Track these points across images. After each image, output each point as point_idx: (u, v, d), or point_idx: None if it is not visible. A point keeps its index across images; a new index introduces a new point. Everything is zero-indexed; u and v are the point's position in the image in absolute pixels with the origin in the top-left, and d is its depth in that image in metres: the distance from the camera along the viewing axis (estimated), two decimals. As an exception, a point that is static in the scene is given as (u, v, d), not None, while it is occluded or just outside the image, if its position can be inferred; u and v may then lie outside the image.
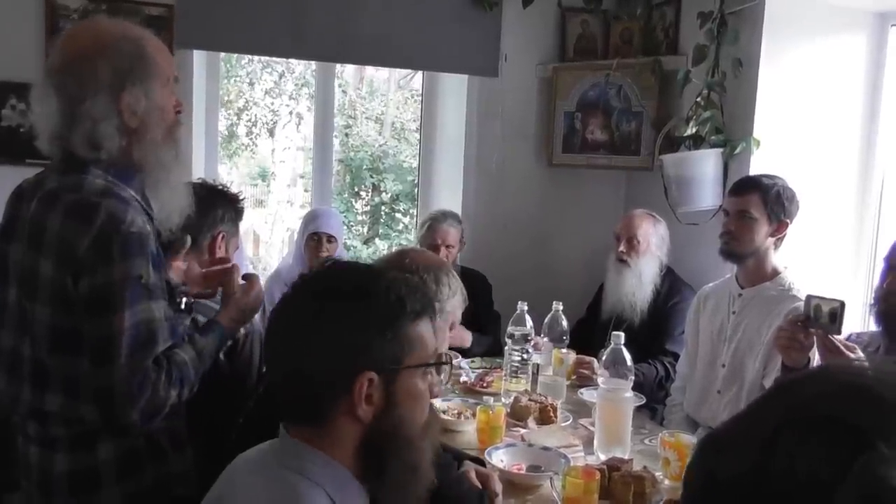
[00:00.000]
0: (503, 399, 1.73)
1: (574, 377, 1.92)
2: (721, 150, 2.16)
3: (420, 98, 3.04)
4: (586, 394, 1.77)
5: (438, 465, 0.85)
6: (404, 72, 4.54)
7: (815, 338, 1.40)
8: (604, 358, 1.47)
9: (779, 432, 0.39)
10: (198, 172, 2.36)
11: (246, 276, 1.25)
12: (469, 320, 1.89)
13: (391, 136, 5.00)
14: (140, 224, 0.99)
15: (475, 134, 2.65)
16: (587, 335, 2.24)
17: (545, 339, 1.94)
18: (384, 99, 5.11)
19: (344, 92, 4.67)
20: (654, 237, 2.18)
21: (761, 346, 1.74)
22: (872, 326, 1.54)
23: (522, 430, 1.55)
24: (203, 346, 1.07)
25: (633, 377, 1.45)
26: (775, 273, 1.79)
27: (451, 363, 0.84)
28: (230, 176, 4.54)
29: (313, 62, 3.00)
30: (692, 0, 2.32)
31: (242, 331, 1.35)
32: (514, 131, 2.64)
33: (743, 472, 0.39)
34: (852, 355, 1.35)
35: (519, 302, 1.82)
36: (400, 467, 0.76)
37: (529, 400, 1.63)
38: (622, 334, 1.46)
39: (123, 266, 0.96)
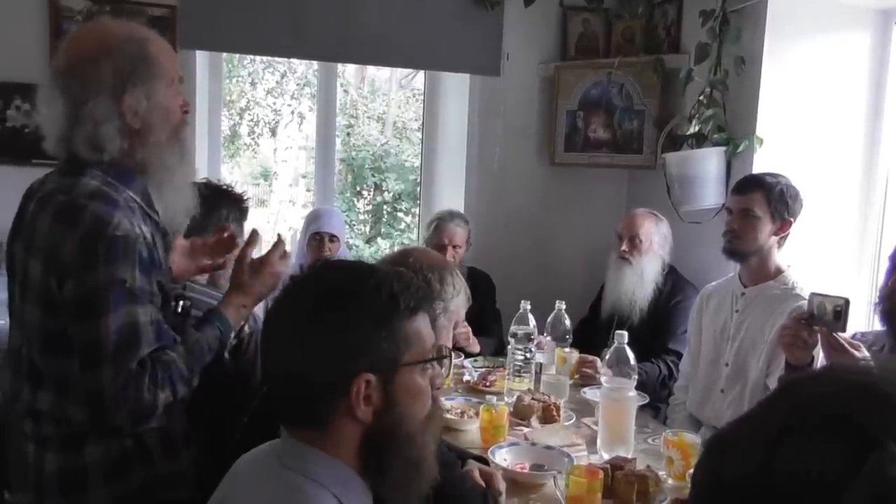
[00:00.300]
0: (506, 398, 1.73)
1: (577, 376, 1.92)
2: (724, 148, 2.15)
3: (422, 97, 3.04)
4: (589, 393, 1.77)
5: (442, 463, 0.84)
6: (406, 71, 4.55)
7: (819, 336, 1.39)
8: (607, 357, 1.47)
9: (784, 433, 0.39)
10: (201, 172, 2.35)
11: (259, 259, 1.16)
12: (473, 320, 1.89)
13: (393, 136, 5.01)
14: (127, 227, 0.98)
15: (477, 133, 2.65)
16: (590, 334, 2.24)
17: (548, 338, 1.94)
18: (386, 98, 5.11)
19: (346, 91, 4.68)
20: (656, 236, 2.18)
21: (764, 344, 1.74)
22: (877, 325, 1.54)
23: (526, 430, 1.55)
24: (196, 340, 1.05)
25: (636, 376, 1.45)
26: (778, 272, 1.79)
27: (450, 356, 0.83)
28: (232, 176, 4.54)
29: (315, 62, 3.01)
30: (694, -2, 2.32)
31: (247, 329, 1.35)
32: (516, 130, 2.64)
33: (748, 472, 0.39)
34: (857, 353, 1.35)
35: (522, 301, 1.82)
36: (402, 464, 0.75)
37: (533, 399, 1.63)
38: (626, 333, 1.46)
39: (107, 270, 0.96)
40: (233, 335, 1.15)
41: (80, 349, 0.97)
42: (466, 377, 1.89)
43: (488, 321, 2.29)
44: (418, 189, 3.17)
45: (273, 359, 0.77)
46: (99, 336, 0.96)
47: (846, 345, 1.35)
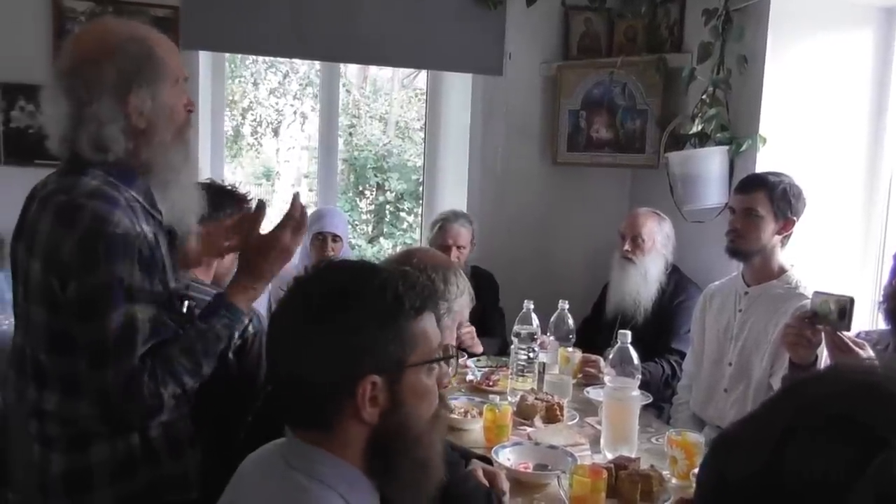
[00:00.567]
0: (509, 398, 1.73)
1: (580, 376, 1.92)
2: (727, 147, 2.15)
3: (424, 97, 3.04)
4: (593, 392, 1.77)
5: (446, 463, 0.84)
6: (408, 71, 4.55)
7: (823, 335, 1.39)
8: (610, 356, 1.47)
9: (789, 433, 0.39)
10: (204, 173, 2.36)
11: (267, 236, 1.08)
12: (477, 319, 1.89)
13: (395, 135, 5.01)
14: (127, 225, 0.97)
15: (479, 133, 2.65)
16: (593, 334, 2.24)
17: (551, 338, 1.94)
18: (388, 98, 5.12)
19: (348, 91, 4.68)
20: (659, 235, 2.18)
21: (768, 344, 1.74)
22: (881, 324, 1.53)
23: (529, 429, 1.55)
24: (202, 331, 1.03)
25: (639, 376, 1.45)
26: (782, 271, 1.79)
27: (456, 356, 0.83)
28: (235, 176, 4.55)
29: (317, 62, 3.01)
30: (697, -3, 2.31)
31: (251, 329, 1.35)
32: (518, 130, 2.64)
33: (754, 473, 0.39)
34: (862, 352, 1.34)
35: (525, 301, 1.82)
36: (409, 465, 0.75)
37: (536, 398, 1.64)
38: (629, 333, 1.46)
39: (107, 269, 0.95)
40: (237, 335, 1.12)
41: (86, 349, 0.98)
42: (470, 377, 1.89)
43: (492, 321, 2.29)
44: (421, 189, 3.18)
45: (278, 360, 0.77)
46: (101, 335, 0.96)
47: (851, 344, 1.35)
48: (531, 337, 1.78)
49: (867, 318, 1.99)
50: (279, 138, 5.09)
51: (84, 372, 0.98)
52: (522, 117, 2.64)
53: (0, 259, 2.19)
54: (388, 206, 4.89)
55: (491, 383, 1.85)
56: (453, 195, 2.80)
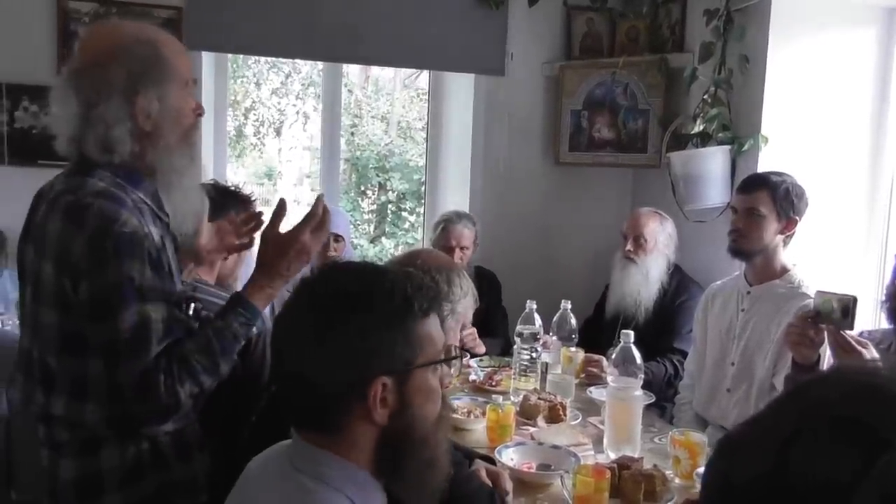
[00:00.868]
0: (512, 398, 1.74)
1: (583, 375, 1.93)
2: (729, 147, 2.15)
3: (426, 97, 3.04)
4: (595, 392, 1.77)
5: (450, 462, 0.85)
6: (410, 71, 4.55)
7: (825, 334, 1.39)
8: (613, 356, 1.47)
9: (794, 436, 0.39)
10: (207, 173, 2.38)
11: (287, 234, 1.05)
12: (480, 320, 1.89)
13: (397, 135, 5.01)
14: (135, 224, 0.97)
15: (481, 133, 2.65)
16: (595, 333, 2.24)
17: (554, 338, 1.94)
18: (390, 98, 5.12)
19: (350, 91, 4.69)
20: (661, 235, 2.18)
21: (770, 343, 1.74)
22: (884, 324, 1.53)
23: (532, 429, 1.55)
24: (219, 329, 1.02)
25: (642, 375, 1.45)
26: (784, 270, 1.79)
27: (460, 357, 0.83)
28: (237, 176, 4.56)
29: (319, 62, 3.01)
30: (699, -3, 2.31)
31: (255, 329, 1.35)
32: (520, 130, 2.64)
33: (759, 475, 0.39)
34: (865, 351, 1.34)
35: (528, 300, 1.83)
36: (417, 465, 0.75)
37: (539, 398, 1.64)
38: (632, 333, 1.46)
39: (116, 268, 0.95)
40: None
41: (100, 349, 0.98)
42: (472, 377, 1.90)
43: (494, 321, 2.30)
44: (423, 188, 3.18)
45: (286, 362, 0.76)
46: (115, 335, 0.96)
47: (854, 343, 1.35)
48: (534, 337, 1.79)
49: (870, 318, 1.99)
50: (281, 138, 5.09)
51: (98, 372, 0.98)
52: (524, 117, 2.64)
53: (3, 258, 2.20)
54: (390, 206, 4.89)
55: (494, 383, 1.85)
56: (455, 195, 2.80)
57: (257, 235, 1.36)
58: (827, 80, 2.11)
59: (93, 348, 0.98)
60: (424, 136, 3.13)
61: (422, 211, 3.28)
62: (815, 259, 1.95)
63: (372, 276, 0.77)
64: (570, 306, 1.96)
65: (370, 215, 4.97)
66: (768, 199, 1.74)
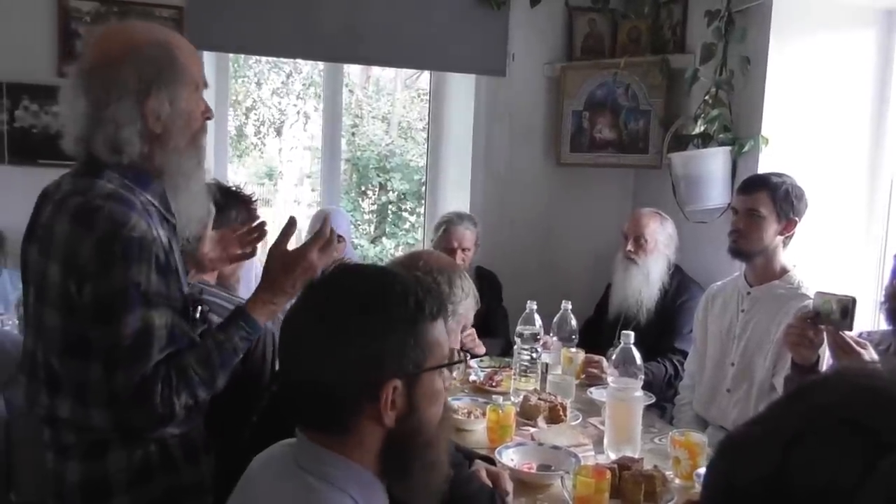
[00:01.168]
0: (513, 398, 1.74)
1: (583, 376, 1.93)
2: (729, 148, 2.15)
3: (427, 97, 3.05)
4: (596, 393, 1.77)
5: (450, 463, 0.85)
6: (411, 71, 4.55)
7: (825, 335, 1.39)
8: (613, 357, 1.48)
9: (796, 439, 0.39)
10: (208, 173, 2.38)
11: (295, 252, 1.06)
12: (480, 320, 1.90)
13: (398, 136, 5.02)
14: (143, 228, 0.97)
15: (483, 133, 2.65)
16: (596, 334, 2.25)
17: (554, 339, 1.94)
18: (391, 98, 5.12)
19: (351, 91, 4.69)
20: (661, 236, 2.18)
21: (770, 344, 1.74)
22: (883, 325, 1.54)
23: (532, 430, 1.55)
24: (220, 342, 1.03)
25: (642, 376, 1.46)
26: (784, 271, 1.79)
27: (466, 361, 0.84)
28: (238, 175, 4.57)
29: (320, 62, 3.02)
30: (700, -2, 2.32)
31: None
32: (521, 130, 2.64)
33: (760, 478, 0.39)
34: (864, 352, 1.34)
35: (528, 301, 1.83)
36: (421, 467, 0.76)
37: (539, 399, 1.64)
38: (632, 333, 1.47)
39: (123, 272, 0.95)
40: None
41: (101, 353, 0.97)
42: (473, 377, 1.90)
43: (495, 321, 2.30)
44: (423, 189, 3.18)
45: (298, 364, 0.76)
46: (116, 339, 0.96)
47: (853, 344, 1.35)
48: (534, 337, 1.79)
49: (869, 319, 2.00)
50: (282, 138, 5.10)
51: (99, 377, 0.97)
52: (526, 118, 2.64)
53: (2, 258, 2.20)
54: (390, 206, 4.90)
55: (494, 384, 1.85)
56: (456, 195, 2.80)
57: (259, 243, 1.36)
58: (827, 81, 2.11)
59: (96, 352, 0.98)
60: (425, 136, 3.14)
61: (422, 211, 3.29)
62: (814, 260, 1.95)
63: (384, 280, 0.78)
64: (570, 307, 1.96)
65: (371, 215, 4.98)
66: (768, 200, 1.75)
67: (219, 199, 1.39)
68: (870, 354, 1.35)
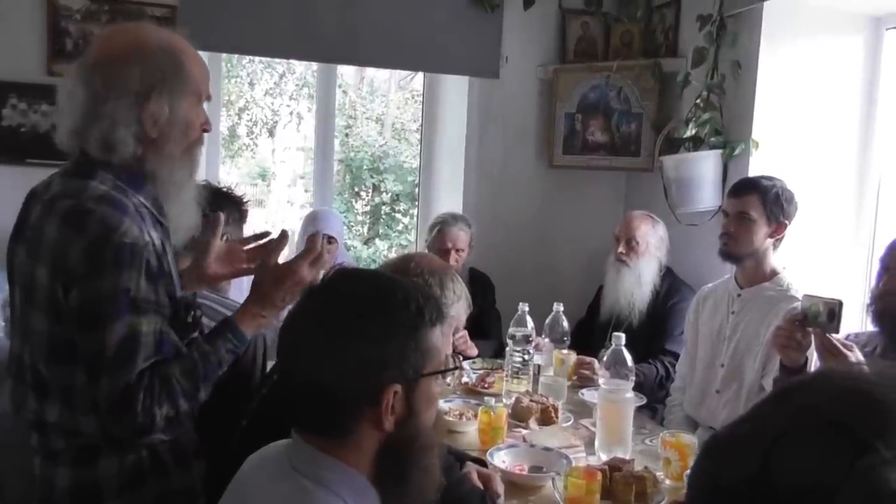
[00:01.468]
0: (504, 400, 1.74)
1: (575, 378, 1.93)
2: (720, 151, 2.17)
3: (420, 98, 3.05)
4: (587, 394, 1.78)
5: (442, 467, 0.85)
6: (404, 72, 4.55)
7: (812, 337, 1.41)
8: (605, 358, 1.48)
9: (780, 439, 0.40)
10: (200, 173, 2.37)
11: (285, 266, 1.06)
12: (473, 322, 1.90)
13: (391, 137, 5.01)
14: (135, 233, 0.95)
15: (476, 135, 2.66)
16: (588, 336, 2.26)
17: (546, 340, 1.95)
18: (384, 99, 5.12)
19: (344, 92, 4.68)
20: (652, 238, 2.19)
21: (760, 346, 1.75)
22: (870, 326, 1.55)
23: (524, 431, 1.56)
24: (206, 353, 1.01)
25: (633, 377, 1.46)
26: (774, 273, 1.81)
27: (460, 366, 0.85)
28: (230, 176, 4.54)
29: (314, 63, 3.01)
30: (692, 3, 2.34)
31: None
32: (514, 132, 2.65)
33: (745, 477, 0.40)
34: (850, 355, 1.36)
35: (520, 303, 1.83)
36: (416, 472, 0.77)
37: (531, 401, 1.64)
38: (623, 335, 1.47)
39: (112, 278, 0.93)
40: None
41: (86, 359, 0.96)
42: (465, 379, 1.90)
43: (488, 323, 2.30)
44: (417, 190, 3.18)
45: (298, 368, 0.76)
46: (99, 347, 0.94)
47: (839, 346, 1.37)
48: (526, 339, 1.79)
49: (856, 321, 2.02)
50: (275, 139, 5.08)
51: (83, 381, 0.96)
52: (518, 120, 2.65)
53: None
54: (383, 208, 4.89)
55: (486, 385, 1.86)
56: (449, 197, 2.80)
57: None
58: (816, 86, 2.14)
59: (81, 357, 0.96)
60: (419, 137, 3.14)
61: (415, 213, 3.29)
62: (803, 262, 1.97)
63: (384, 285, 0.78)
64: (562, 309, 1.97)
65: (364, 217, 4.97)
66: (758, 204, 1.76)
67: (209, 199, 1.38)
68: (856, 356, 1.37)
